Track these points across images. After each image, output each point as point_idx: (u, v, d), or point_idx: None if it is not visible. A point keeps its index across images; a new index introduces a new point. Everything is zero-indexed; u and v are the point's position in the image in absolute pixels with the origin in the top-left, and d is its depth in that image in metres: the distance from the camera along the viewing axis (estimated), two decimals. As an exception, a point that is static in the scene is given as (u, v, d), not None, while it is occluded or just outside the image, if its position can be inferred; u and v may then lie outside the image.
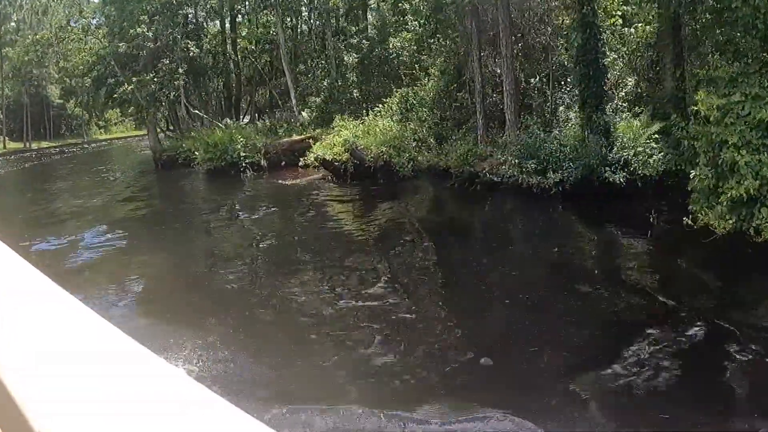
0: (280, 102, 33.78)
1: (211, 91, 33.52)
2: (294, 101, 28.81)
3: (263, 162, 23.64)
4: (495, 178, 17.46)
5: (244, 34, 35.42)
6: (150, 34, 25.99)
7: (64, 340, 0.91)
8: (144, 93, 26.51)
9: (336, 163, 20.45)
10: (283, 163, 24.30)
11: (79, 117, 76.25)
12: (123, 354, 0.86)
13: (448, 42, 23.47)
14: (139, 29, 25.65)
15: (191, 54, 27.50)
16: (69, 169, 35.10)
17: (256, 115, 35.56)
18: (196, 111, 30.26)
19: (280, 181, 21.81)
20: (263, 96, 39.04)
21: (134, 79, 26.47)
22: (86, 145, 65.98)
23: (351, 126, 22.82)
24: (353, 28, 30.73)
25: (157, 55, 28.24)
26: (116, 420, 0.72)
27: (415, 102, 24.72)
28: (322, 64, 31.76)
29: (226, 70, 34.10)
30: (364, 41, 28.60)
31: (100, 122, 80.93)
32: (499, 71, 20.92)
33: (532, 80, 21.18)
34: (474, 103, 22.19)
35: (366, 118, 25.74)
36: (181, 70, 26.75)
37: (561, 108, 20.27)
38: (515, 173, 16.38)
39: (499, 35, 18.81)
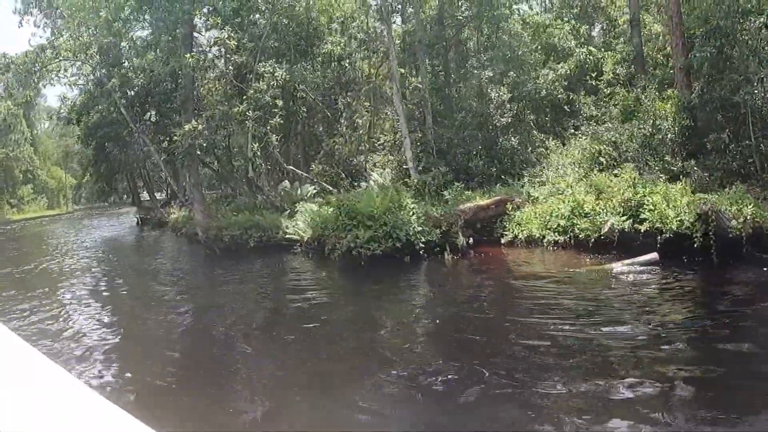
0: (353, 153, 24.80)
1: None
2: (409, 153, 20.07)
3: (461, 240, 14.66)
4: None
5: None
6: (233, 43, 16.66)
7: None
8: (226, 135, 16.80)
9: (668, 236, 12.12)
10: (471, 239, 15.50)
11: (-13, 194, 62.28)
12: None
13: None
14: (224, 33, 16.27)
15: (278, 79, 18.14)
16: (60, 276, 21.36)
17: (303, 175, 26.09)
18: (291, 167, 20.65)
19: (526, 274, 12.77)
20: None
21: (204, 114, 16.81)
22: (5, 227, 52.29)
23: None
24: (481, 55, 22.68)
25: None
26: None
27: (626, 148, 17.38)
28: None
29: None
30: (510, 72, 20.78)
31: (12, 200, 66.79)
32: None
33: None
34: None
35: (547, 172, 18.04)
36: (279, 102, 17.41)
37: None
38: None
39: None
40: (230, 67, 17.21)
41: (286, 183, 21.93)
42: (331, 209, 16.06)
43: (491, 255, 14.95)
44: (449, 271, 13.86)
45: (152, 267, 19.43)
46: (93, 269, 19.28)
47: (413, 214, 14.88)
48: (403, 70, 27.39)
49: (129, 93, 22.32)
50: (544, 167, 19.31)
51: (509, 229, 15.69)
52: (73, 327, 10.80)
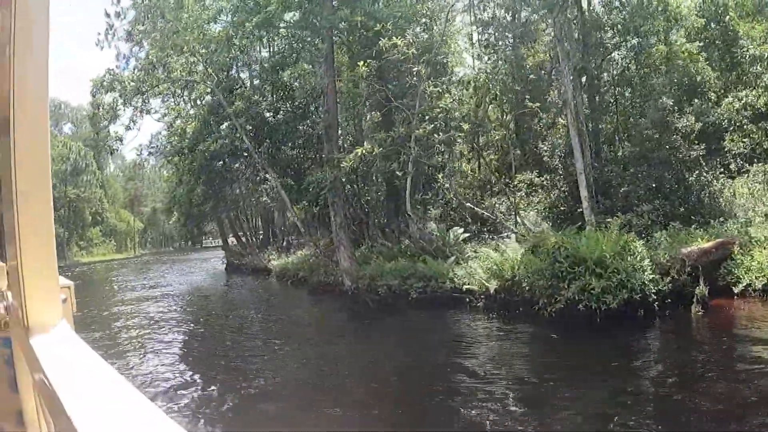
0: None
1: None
2: (585, 192, 17.77)
3: (703, 290, 12.29)
4: None
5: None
6: (413, 50, 14.99)
7: None
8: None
9: None
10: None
11: (58, 235, 62.04)
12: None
13: None
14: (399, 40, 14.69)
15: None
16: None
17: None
18: (469, 204, 18.63)
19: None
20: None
21: (377, 137, 14.94)
22: (75, 269, 51.35)
23: None
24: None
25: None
26: None
27: None
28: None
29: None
30: (695, 100, 18.67)
31: (81, 242, 66.68)
32: None
33: None
34: None
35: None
36: (465, 126, 15.52)
37: None
38: None
39: None
40: (423, 80, 15.26)
41: (433, 225, 19.92)
42: (533, 254, 13.91)
43: (735, 308, 12.54)
44: (705, 330, 11.49)
45: (298, 331, 15.76)
46: (229, 332, 16.19)
47: (643, 259, 12.64)
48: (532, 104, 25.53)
49: (253, 119, 20.76)
50: (740, 205, 17.08)
51: (739, 276, 13.28)
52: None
